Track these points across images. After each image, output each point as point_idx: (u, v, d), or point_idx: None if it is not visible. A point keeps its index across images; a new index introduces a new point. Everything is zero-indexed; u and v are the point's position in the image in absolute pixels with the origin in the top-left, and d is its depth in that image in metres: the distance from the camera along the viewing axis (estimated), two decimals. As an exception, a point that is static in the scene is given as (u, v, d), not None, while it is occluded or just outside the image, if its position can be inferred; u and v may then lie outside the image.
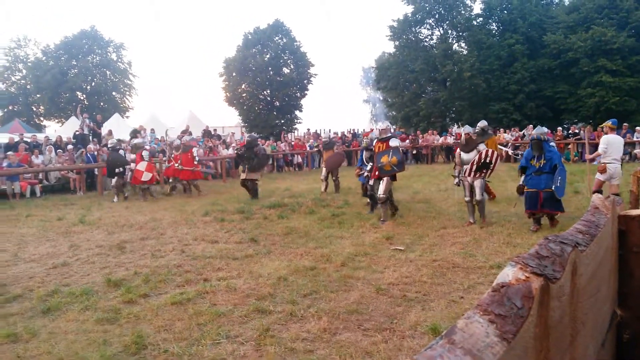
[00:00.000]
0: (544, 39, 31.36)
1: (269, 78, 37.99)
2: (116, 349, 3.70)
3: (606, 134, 8.76)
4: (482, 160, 7.74)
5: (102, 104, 38.18)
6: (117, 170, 12.76)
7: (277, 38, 38.68)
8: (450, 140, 23.50)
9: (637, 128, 19.97)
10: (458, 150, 8.69)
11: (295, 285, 5.07)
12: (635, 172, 6.95)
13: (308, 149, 22.48)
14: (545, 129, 8.01)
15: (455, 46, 35.31)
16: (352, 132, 27.59)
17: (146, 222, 9.01)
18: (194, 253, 6.59)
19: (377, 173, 8.60)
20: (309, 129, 28.52)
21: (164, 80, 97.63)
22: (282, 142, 23.99)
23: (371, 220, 8.63)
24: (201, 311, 4.38)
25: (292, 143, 24.19)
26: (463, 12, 34.59)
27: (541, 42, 31.84)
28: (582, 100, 29.68)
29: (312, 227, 8.24)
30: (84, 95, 38.11)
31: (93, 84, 38.59)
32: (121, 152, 13.41)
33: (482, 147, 8.25)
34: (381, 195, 8.43)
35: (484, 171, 7.89)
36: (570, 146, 20.91)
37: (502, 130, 24.80)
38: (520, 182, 7.79)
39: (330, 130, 26.99)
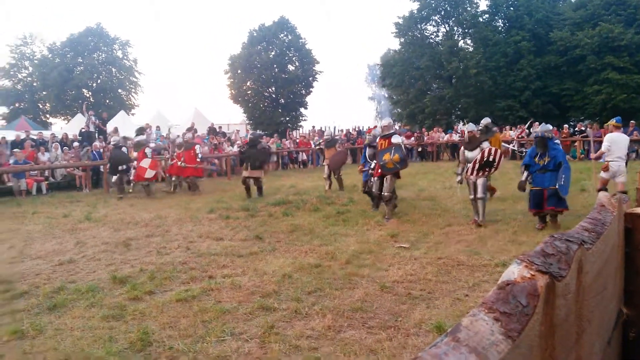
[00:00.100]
0: (551, 36, 31.15)
1: (274, 75, 38.04)
2: (122, 346, 3.72)
3: (610, 132, 8.72)
4: (485, 159, 7.67)
5: (107, 101, 38.29)
6: (119, 167, 12.81)
7: (282, 35, 38.72)
8: (455, 137, 23.44)
9: (644, 125, 19.83)
10: (462, 148, 8.65)
11: (299, 283, 5.07)
12: (642, 170, 6.91)
13: (313, 146, 22.49)
14: (549, 127, 7.96)
15: (461, 43, 35.20)
16: (357, 129, 27.54)
17: (151, 220, 9.05)
18: (199, 250, 6.61)
19: (379, 171, 8.56)
20: (314, 126, 28.48)
21: (169, 77, 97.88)
22: (287, 140, 24.01)
23: (376, 217, 8.61)
24: (206, 308, 4.40)
25: (297, 140, 24.19)
26: (469, 8, 34.49)
27: (547, 39, 31.62)
28: (589, 98, 29.43)
29: (317, 224, 8.24)
30: (90, 93, 38.26)
31: (99, 81, 38.77)
32: (124, 149, 13.43)
33: (485, 145, 8.16)
34: (386, 194, 8.40)
35: (487, 169, 7.82)
36: (576, 144, 20.78)
37: (507, 127, 24.67)
38: (522, 179, 7.75)
39: (335, 127, 26.93)
